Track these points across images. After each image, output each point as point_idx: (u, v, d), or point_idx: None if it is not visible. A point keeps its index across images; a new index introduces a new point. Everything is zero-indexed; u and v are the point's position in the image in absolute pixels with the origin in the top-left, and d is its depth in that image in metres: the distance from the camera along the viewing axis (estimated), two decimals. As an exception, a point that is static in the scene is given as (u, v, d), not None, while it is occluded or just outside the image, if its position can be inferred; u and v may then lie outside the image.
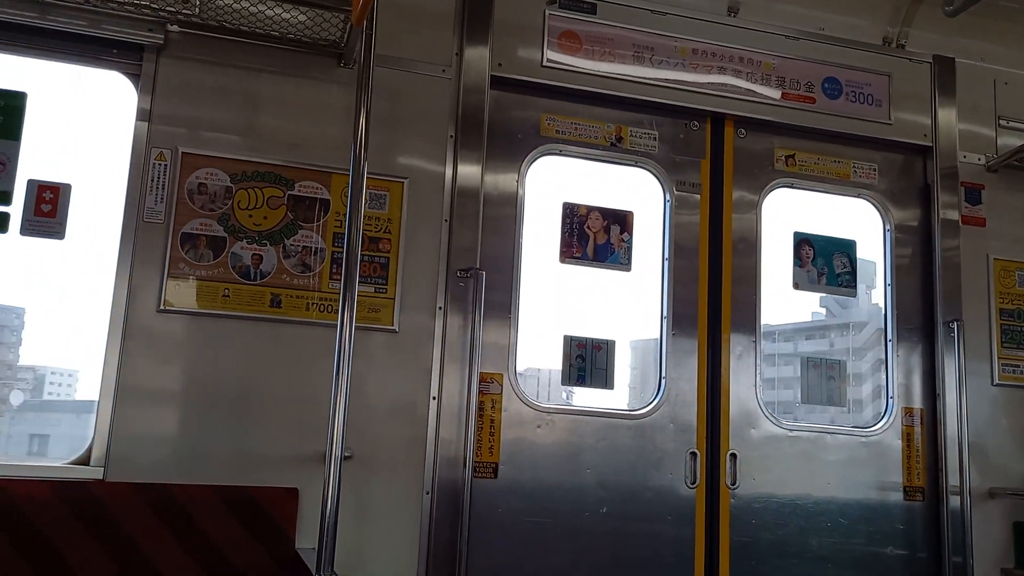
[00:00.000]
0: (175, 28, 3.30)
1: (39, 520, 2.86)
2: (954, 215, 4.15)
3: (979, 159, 4.27)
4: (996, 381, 4.08)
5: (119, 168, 3.26)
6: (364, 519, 3.23)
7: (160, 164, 3.25)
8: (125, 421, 3.08)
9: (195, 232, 3.26)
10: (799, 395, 4.01)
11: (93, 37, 3.26)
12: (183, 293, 3.21)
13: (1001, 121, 4.33)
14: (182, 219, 3.25)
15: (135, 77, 3.33)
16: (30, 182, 3.13)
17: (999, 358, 4.10)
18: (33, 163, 3.16)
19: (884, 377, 4.07)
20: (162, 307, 3.18)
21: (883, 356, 4.09)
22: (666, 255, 3.88)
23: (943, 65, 4.28)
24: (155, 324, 3.17)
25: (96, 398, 3.10)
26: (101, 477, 3.02)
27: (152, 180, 3.24)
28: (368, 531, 3.24)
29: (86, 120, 3.50)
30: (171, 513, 2.98)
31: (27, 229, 3.11)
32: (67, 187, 3.16)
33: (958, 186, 4.19)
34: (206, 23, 3.29)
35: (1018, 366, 4.12)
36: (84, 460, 3.07)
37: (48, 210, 3.12)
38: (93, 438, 3.08)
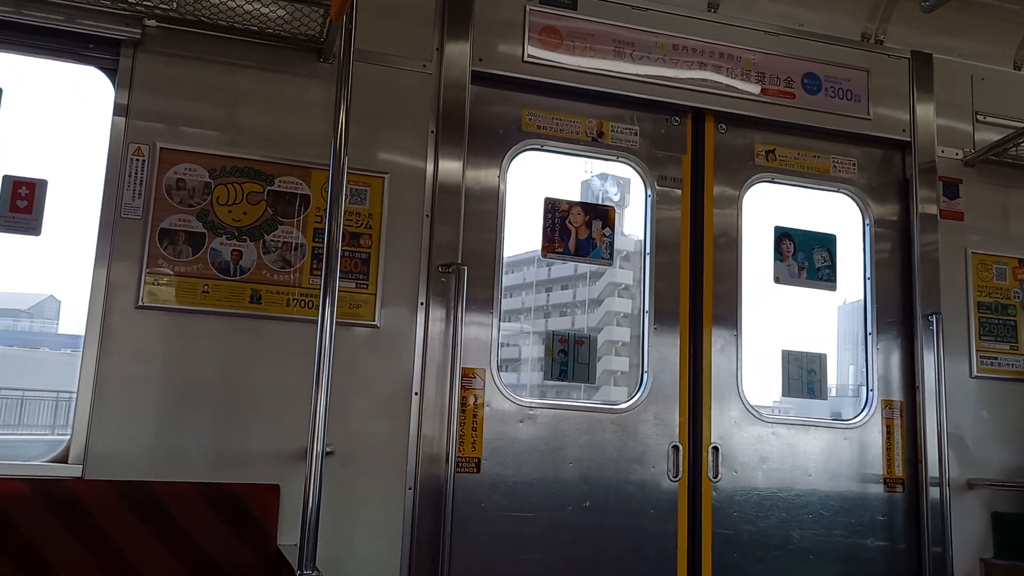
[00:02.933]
0: (152, 23, 3.27)
1: (17, 519, 2.82)
2: (932, 209, 4.18)
3: (957, 154, 4.30)
4: (974, 373, 4.11)
5: (96, 164, 3.23)
6: (346, 515, 3.21)
7: (138, 160, 3.23)
8: (104, 419, 3.06)
9: (174, 228, 3.23)
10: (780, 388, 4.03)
11: (69, 32, 3.22)
12: (162, 289, 3.18)
13: (978, 116, 4.37)
14: (160, 215, 3.22)
15: (112, 72, 3.29)
16: (5, 178, 3.10)
17: (977, 351, 4.14)
18: (8, 159, 3.14)
19: (865, 370, 4.10)
20: (141, 303, 3.15)
21: (864, 347, 4.12)
22: (648, 250, 3.88)
23: (921, 61, 4.30)
24: (134, 321, 3.14)
25: (74, 395, 3.08)
26: (80, 475, 3.00)
27: (130, 176, 3.21)
28: (350, 527, 3.22)
29: (62, 116, 3.47)
30: (151, 511, 2.95)
31: (2, 225, 3.07)
32: (43, 183, 3.13)
33: (936, 181, 4.22)
34: (184, 18, 3.26)
35: (996, 358, 4.16)
36: (62, 458, 3.04)
37: (24, 206, 3.08)
38: (71, 436, 3.05)
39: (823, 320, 4.38)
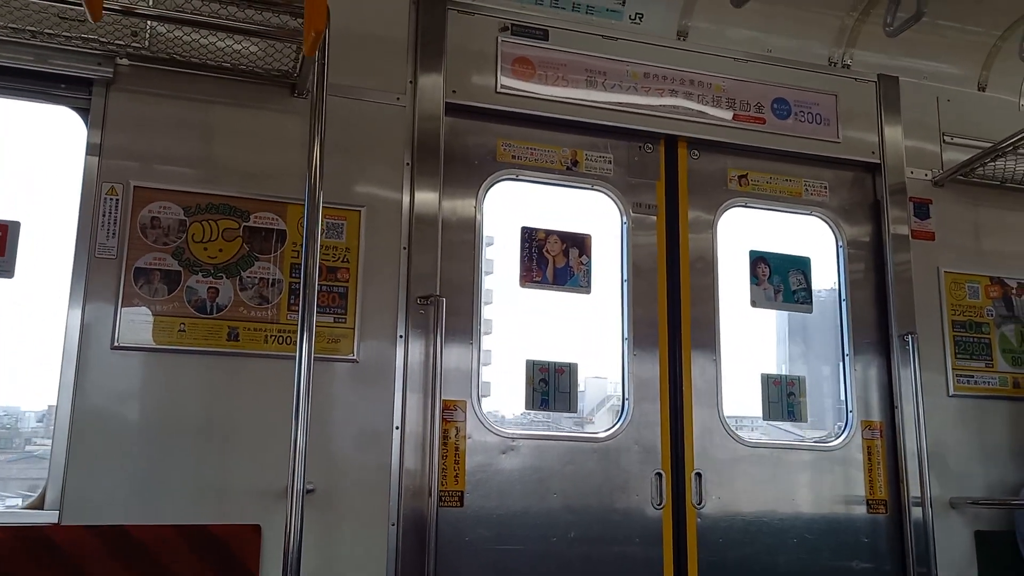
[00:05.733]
0: (124, 62, 3.26)
1: (-9, 568, 2.77)
2: (904, 230, 4.24)
3: (926, 174, 4.37)
4: (952, 392, 4.15)
5: (70, 204, 3.20)
6: (329, 553, 3.17)
7: (112, 199, 3.21)
8: (80, 463, 3.00)
9: (149, 267, 3.21)
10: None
11: (40, 73, 3.20)
12: (138, 329, 3.15)
13: (945, 137, 4.45)
14: (135, 254, 3.19)
15: (84, 112, 3.27)
16: (-24, 221, 3.07)
17: (953, 369, 4.17)
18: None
19: (843, 391, 4.12)
20: (116, 344, 3.11)
21: (841, 368, 4.15)
22: (625, 276, 3.90)
23: (888, 84, 4.38)
24: (110, 361, 3.10)
25: (49, 440, 3.03)
26: (56, 521, 2.94)
27: (104, 215, 3.19)
28: (333, 565, 3.18)
29: (34, 156, 3.44)
30: (130, 555, 2.90)
31: (-26, 268, 3.04)
32: (15, 224, 3.10)
33: (907, 201, 4.28)
34: (156, 56, 3.26)
35: (972, 376, 4.20)
36: (38, 504, 2.98)
37: (-4, 249, 3.05)
38: (47, 481, 2.99)
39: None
